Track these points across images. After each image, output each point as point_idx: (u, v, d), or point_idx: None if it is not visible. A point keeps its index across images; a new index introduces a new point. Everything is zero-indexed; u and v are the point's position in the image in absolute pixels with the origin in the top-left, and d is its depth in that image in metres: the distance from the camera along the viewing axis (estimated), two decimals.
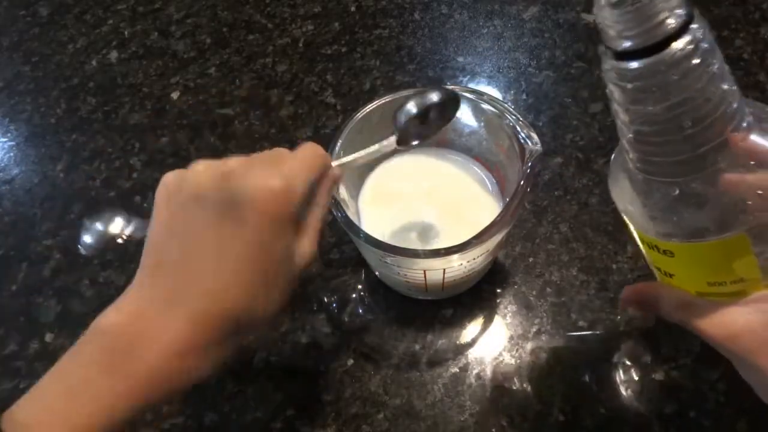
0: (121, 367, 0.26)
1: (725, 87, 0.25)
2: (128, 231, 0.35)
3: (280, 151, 0.31)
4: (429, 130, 0.37)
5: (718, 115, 0.25)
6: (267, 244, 0.29)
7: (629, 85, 0.25)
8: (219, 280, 0.28)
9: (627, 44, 0.25)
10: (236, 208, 0.28)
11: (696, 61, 0.24)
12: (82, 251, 0.34)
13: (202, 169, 0.30)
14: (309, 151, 0.32)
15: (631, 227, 0.30)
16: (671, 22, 0.23)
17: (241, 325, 0.29)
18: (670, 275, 0.30)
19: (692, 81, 0.24)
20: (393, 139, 0.36)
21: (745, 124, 0.26)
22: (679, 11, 0.23)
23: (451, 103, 0.37)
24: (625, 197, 0.29)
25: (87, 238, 0.34)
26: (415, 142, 0.37)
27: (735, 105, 0.26)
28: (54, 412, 0.25)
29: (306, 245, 0.31)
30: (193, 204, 0.29)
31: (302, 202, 0.30)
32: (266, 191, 0.28)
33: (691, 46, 0.23)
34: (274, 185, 0.28)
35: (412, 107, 0.35)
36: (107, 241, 0.35)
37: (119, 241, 0.34)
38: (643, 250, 0.31)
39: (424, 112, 0.36)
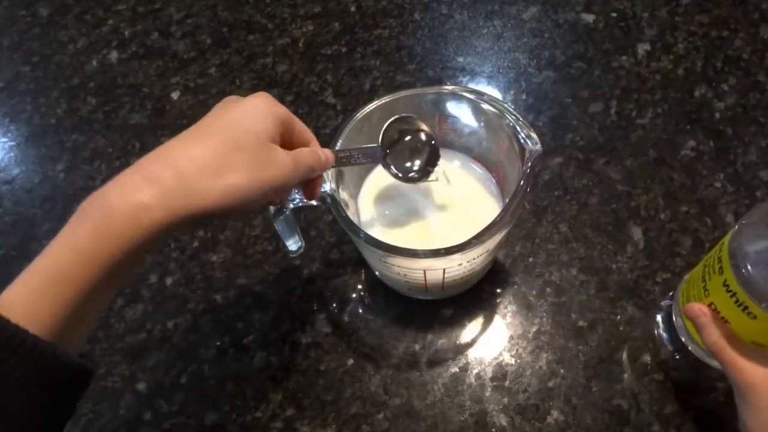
0: (87, 221, 0.27)
1: None
2: None
3: None
4: (410, 161, 0.42)
5: None
6: (251, 122, 0.32)
7: None
8: (179, 141, 0.31)
9: None
10: (244, 100, 0.33)
11: None
12: None
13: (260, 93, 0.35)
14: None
15: (735, 278, 0.33)
16: None
17: (222, 181, 0.30)
18: (727, 321, 0.35)
19: None
20: (378, 149, 0.41)
21: None
22: None
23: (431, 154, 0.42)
24: (757, 256, 0.33)
25: None
26: (398, 170, 0.42)
27: None
28: (31, 288, 0.26)
29: (287, 158, 0.33)
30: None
31: (285, 117, 0.34)
32: (267, 95, 0.34)
33: None
34: (268, 96, 0.34)
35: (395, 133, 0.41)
36: None
37: None
38: (715, 296, 0.36)
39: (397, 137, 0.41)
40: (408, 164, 0.42)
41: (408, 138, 0.42)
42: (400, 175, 0.42)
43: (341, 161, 0.39)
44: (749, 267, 0.32)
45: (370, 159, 0.40)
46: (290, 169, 0.33)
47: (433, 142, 0.42)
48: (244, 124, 0.32)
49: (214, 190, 0.29)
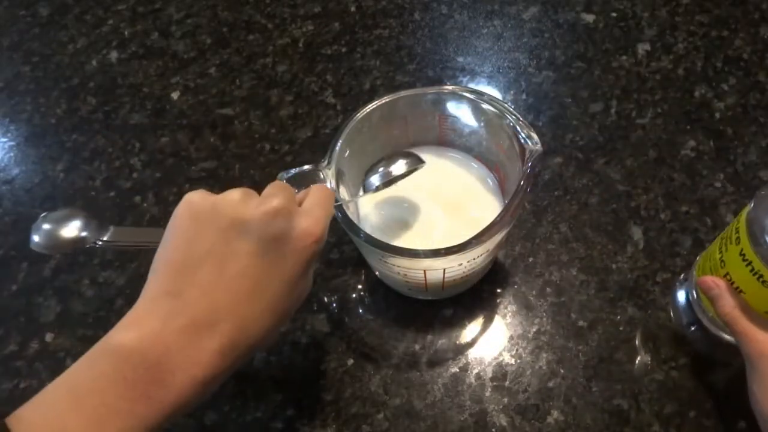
0: (146, 394, 0.26)
1: None
2: (84, 234, 0.35)
3: (290, 192, 0.33)
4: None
5: None
6: (296, 284, 0.31)
7: None
8: (251, 313, 0.29)
9: None
10: (280, 246, 0.30)
11: None
12: (34, 248, 0.34)
13: (240, 198, 0.31)
14: (325, 194, 0.34)
15: (751, 247, 0.34)
16: None
17: (255, 350, 0.31)
18: (741, 291, 0.36)
19: None
20: (362, 193, 0.43)
21: None
22: None
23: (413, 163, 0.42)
24: None
25: (36, 237, 0.34)
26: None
27: None
28: (66, 426, 0.25)
29: (311, 274, 0.33)
30: (234, 231, 0.29)
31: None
32: (309, 236, 0.31)
33: None
34: (315, 231, 0.31)
35: (377, 180, 0.42)
36: (59, 242, 0.35)
37: (72, 239, 0.35)
38: (731, 266, 0.36)
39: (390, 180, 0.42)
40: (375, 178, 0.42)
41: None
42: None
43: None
44: (766, 236, 0.33)
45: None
46: (310, 287, 0.34)
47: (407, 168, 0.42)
48: (299, 294, 0.32)
49: (264, 346, 0.32)
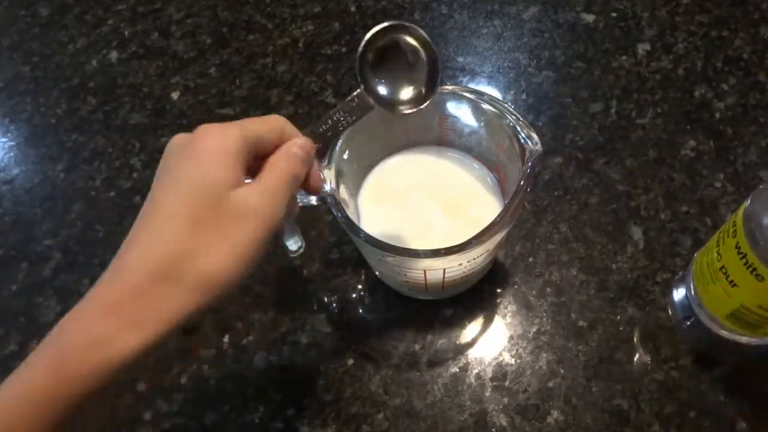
0: (45, 359, 0.26)
1: None
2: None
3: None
4: (402, 84, 0.35)
5: None
6: (203, 177, 0.28)
7: None
8: (159, 223, 0.28)
9: None
10: (188, 147, 0.29)
11: None
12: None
13: (201, 127, 0.30)
14: (268, 116, 0.32)
15: (747, 240, 0.35)
16: None
17: (187, 274, 0.27)
18: (735, 285, 0.37)
19: None
20: (359, 91, 0.34)
21: None
22: None
23: (427, 61, 0.36)
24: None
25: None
26: (387, 95, 0.35)
27: None
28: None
29: (258, 198, 0.29)
30: (156, 180, 0.30)
31: (241, 144, 0.29)
32: (211, 128, 0.29)
33: None
34: (220, 125, 0.29)
35: (368, 51, 0.34)
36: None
37: None
38: (727, 259, 0.37)
39: (382, 53, 0.34)
40: (397, 91, 0.36)
41: (397, 55, 0.35)
42: (390, 101, 0.35)
43: (326, 136, 0.35)
44: (762, 230, 0.34)
45: (359, 112, 0.35)
46: (269, 208, 0.29)
47: (429, 55, 0.35)
48: (198, 185, 0.28)
49: (184, 293, 0.26)
